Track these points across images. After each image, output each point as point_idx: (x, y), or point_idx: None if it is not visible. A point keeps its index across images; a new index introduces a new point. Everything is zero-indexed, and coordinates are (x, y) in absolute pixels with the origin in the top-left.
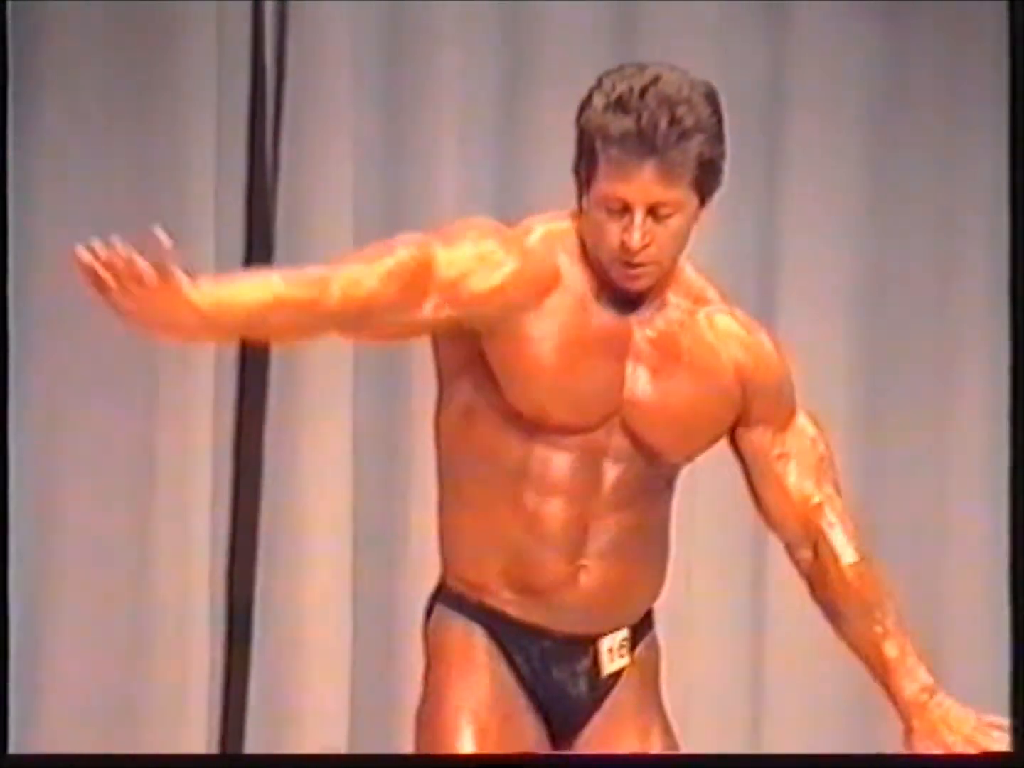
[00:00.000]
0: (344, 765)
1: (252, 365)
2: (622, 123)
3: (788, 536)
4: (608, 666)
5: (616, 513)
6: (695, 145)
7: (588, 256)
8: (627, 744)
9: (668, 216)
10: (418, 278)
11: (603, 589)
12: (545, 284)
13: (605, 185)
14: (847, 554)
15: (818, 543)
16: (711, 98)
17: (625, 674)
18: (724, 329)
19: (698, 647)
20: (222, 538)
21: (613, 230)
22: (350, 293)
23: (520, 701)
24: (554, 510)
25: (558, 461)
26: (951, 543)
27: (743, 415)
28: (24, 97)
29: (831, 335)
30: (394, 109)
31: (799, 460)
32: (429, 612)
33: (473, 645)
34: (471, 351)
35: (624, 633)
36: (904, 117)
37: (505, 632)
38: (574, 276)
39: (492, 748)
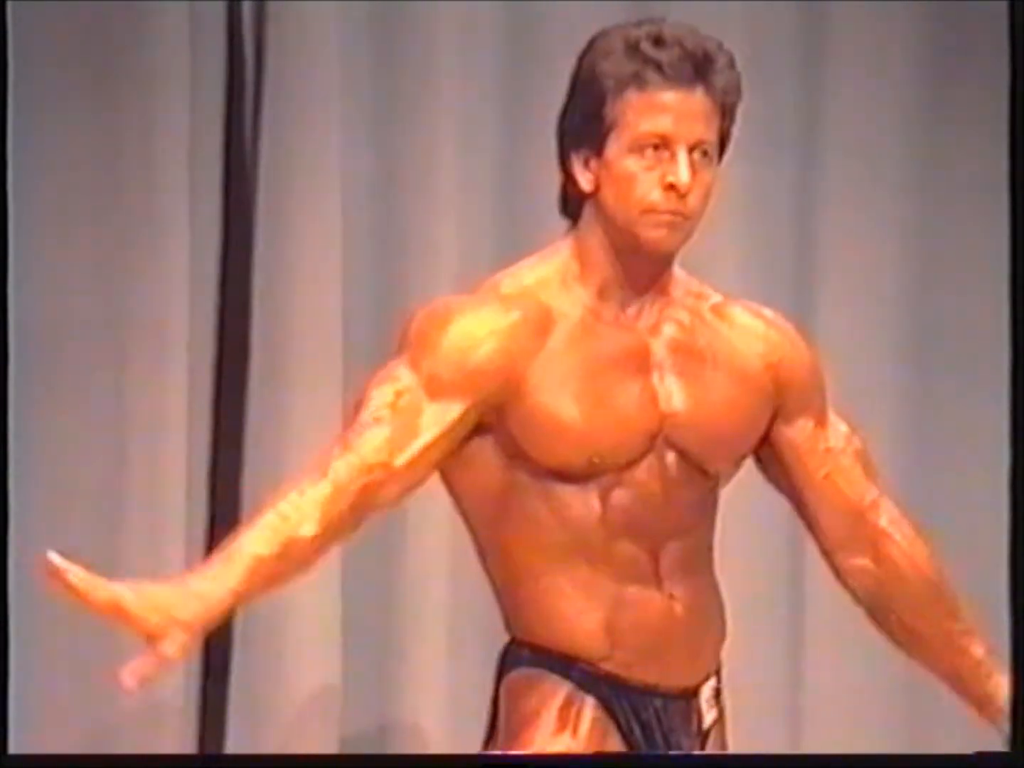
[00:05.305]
0: (343, 765)
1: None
2: (665, 53)
3: (838, 539)
4: (706, 717)
5: (679, 539)
6: (736, 77)
7: (585, 270)
8: None
9: (703, 166)
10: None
11: (694, 617)
12: (539, 325)
13: (643, 123)
14: (923, 551)
15: (881, 544)
16: None
17: (713, 733)
18: (740, 321)
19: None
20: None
21: (649, 178)
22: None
23: None
24: (625, 547)
25: (619, 499)
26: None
27: (779, 409)
28: None
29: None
30: (386, 104)
31: (844, 456)
32: (503, 666)
33: (573, 711)
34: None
35: (713, 682)
36: (953, 102)
37: (614, 697)
38: (570, 304)
39: None
